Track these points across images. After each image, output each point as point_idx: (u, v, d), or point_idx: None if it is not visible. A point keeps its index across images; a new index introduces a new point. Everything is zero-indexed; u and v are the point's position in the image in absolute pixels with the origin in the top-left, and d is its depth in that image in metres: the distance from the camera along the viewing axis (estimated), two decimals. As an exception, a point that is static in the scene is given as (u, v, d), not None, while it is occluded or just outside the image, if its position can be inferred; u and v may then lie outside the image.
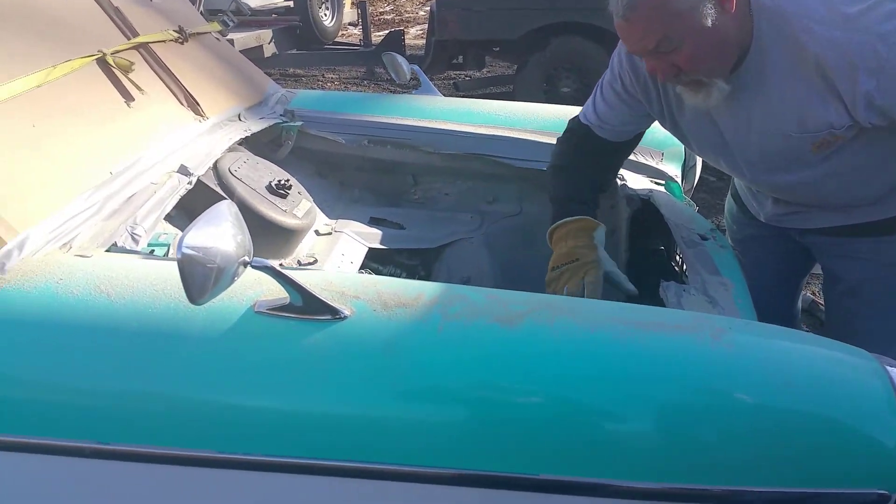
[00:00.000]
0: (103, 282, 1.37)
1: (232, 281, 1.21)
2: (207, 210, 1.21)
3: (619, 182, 2.26)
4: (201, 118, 2.16)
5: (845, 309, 1.98)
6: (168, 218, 1.87)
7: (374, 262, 2.28)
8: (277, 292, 1.32)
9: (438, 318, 1.33)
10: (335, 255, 2.16)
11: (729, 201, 2.27)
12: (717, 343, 1.31)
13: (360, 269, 2.17)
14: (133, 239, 1.59)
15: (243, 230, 1.24)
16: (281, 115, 2.51)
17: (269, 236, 2.06)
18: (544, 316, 1.35)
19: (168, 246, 1.75)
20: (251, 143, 2.38)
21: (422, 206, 2.64)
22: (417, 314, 1.33)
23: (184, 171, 1.86)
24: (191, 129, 2.08)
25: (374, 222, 2.44)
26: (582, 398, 1.26)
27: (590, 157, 1.99)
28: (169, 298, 1.33)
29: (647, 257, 2.30)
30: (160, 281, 1.37)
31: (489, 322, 1.32)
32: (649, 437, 1.25)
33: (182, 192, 1.80)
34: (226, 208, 1.23)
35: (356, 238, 2.28)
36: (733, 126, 1.74)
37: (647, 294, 1.91)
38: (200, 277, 1.15)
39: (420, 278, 2.34)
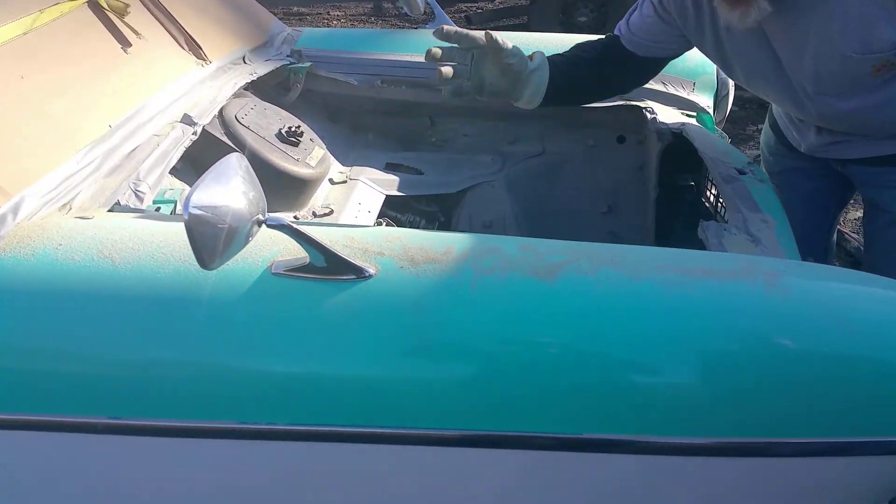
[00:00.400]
0: (106, 245, 1.29)
1: (246, 242, 1.13)
2: (215, 165, 1.12)
3: (648, 115, 2.19)
4: (204, 62, 2.07)
5: (888, 241, 1.94)
6: (174, 172, 1.80)
7: (392, 210, 2.22)
8: (296, 251, 1.25)
9: (471, 273, 1.26)
10: (351, 204, 2.10)
11: (766, 132, 2.20)
12: (773, 289, 1.25)
13: (378, 217, 2.10)
14: (137, 196, 1.52)
15: (255, 185, 1.15)
16: (288, 56, 2.42)
17: (281, 188, 1.99)
18: (584, 267, 1.28)
19: (175, 202, 1.69)
20: (258, 88, 2.29)
21: (440, 150, 2.56)
22: (448, 270, 1.26)
23: (188, 120, 1.78)
24: (193, 74, 1.99)
25: (390, 168, 2.36)
26: (630, 355, 1.22)
27: (600, 57, 1.96)
28: (178, 262, 1.26)
29: (676, 194, 2.24)
30: (168, 242, 1.29)
31: (525, 276, 1.26)
32: (701, 392, 1.21)
33: (187, 143, 1.72)
34: (235, 161, 1.14)
35: (372, 185, 2.21)
36: (789, 48, 1.66)
37: (682, 234, 1.84)
38: (211, 239, 1.06)
39: (440, 225, 2.30)
